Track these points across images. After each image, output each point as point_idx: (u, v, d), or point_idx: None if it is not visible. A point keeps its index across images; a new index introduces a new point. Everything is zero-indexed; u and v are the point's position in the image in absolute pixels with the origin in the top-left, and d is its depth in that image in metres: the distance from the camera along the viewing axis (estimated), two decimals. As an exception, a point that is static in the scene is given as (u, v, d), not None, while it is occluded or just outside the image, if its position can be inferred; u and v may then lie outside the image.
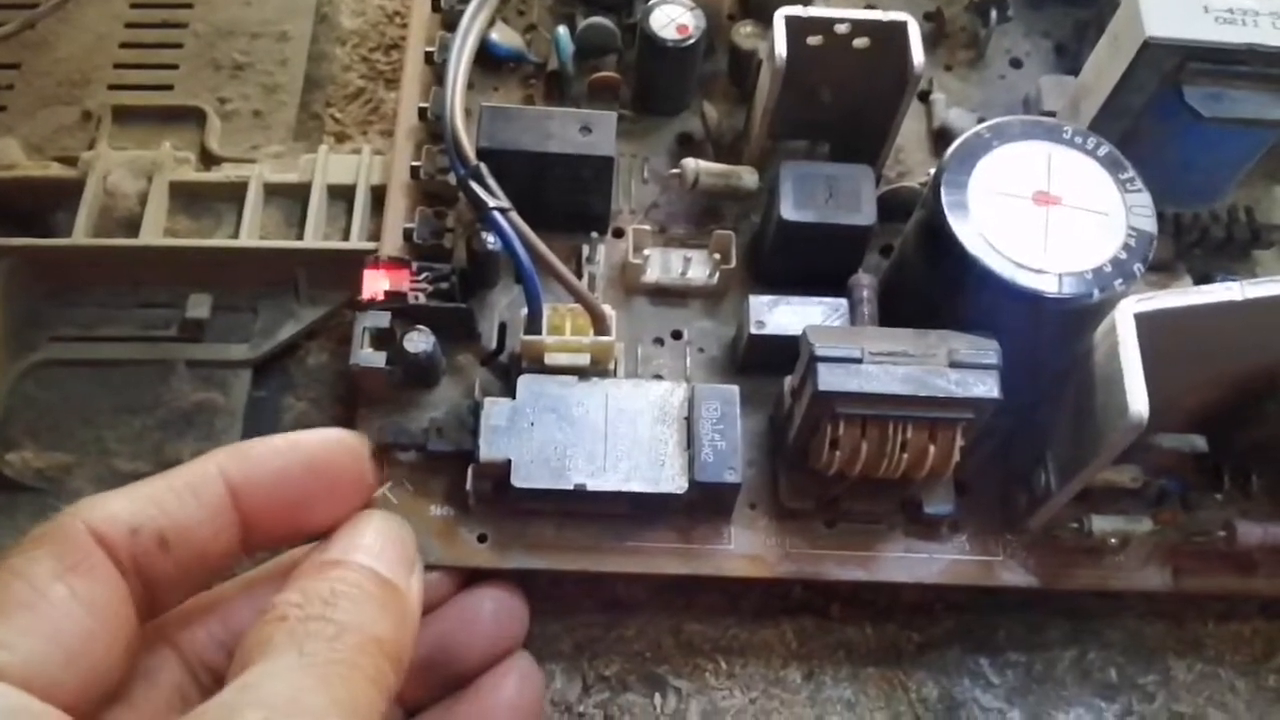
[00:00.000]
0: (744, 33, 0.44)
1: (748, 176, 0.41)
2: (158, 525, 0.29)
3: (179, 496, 0.30)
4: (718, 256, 0.41)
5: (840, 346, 0.34)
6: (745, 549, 0.38)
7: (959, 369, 0.34)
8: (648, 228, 0.41)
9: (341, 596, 0.28)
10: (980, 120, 0.44)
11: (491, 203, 0.37)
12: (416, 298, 0.38)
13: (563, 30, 0.44)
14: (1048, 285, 0.34)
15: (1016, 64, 0.47)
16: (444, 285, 0.39)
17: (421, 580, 0.32)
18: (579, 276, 0.40)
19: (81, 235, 0.42)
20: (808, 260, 0.40)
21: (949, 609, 0.40)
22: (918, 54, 0.38)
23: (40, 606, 0.27)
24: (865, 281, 0.38)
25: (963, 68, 0.47)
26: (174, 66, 0.49)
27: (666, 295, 0.41)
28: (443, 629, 0.36)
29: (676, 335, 0.41)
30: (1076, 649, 0.40)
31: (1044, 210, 0.35)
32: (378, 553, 0.31)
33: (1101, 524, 0.37)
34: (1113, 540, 0.37)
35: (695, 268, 0.41)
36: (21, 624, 0.27)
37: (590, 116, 0.39)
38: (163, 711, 0.31)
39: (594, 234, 0.42)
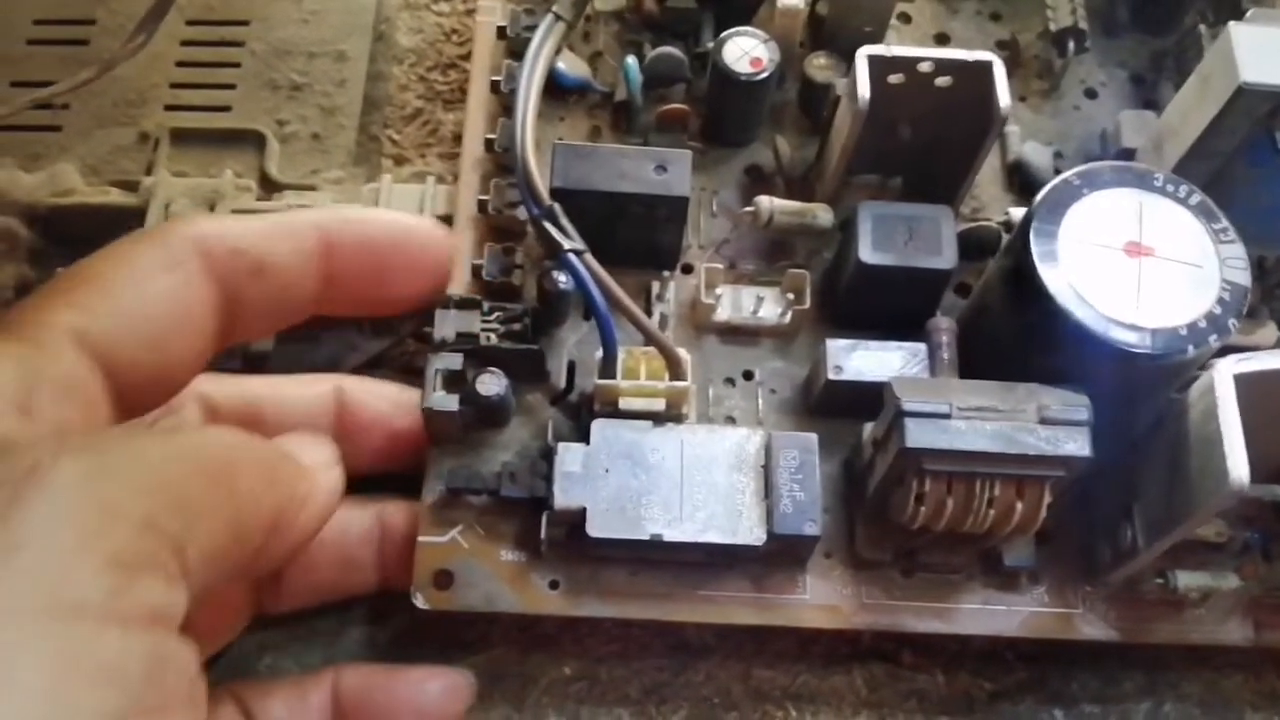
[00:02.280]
0: (817, 64, 0.43)
1: (823, 215, 0.40)
2: (257, 252, 0.31)
3: (279, 231, 0.32)
4: (791, 296, 0.40)
5: (928, 401, 0.33)
6: (821, 599, 0.37)
7: (1049, 425, 0.33)
8: (719, 266, 0.41)
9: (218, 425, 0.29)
10: (1057, 154, 0.44)
11: (567, 244, 0.36)
12: (488, 339, 0.38)
13: (632, 60, 0.43)
14: (1141, 341, 0.33)
15: (1091, 95, 0.46)
16: (516, 326, 0.38)
17: (338, 482, 0.31)
18: (648, 314, 0.39)
19: (144, 266, 0.41)
20: (884, 302, 0.39)
21: (1022, 658, 0.40)
22: (1004, 95, 0.37)
23: (136, 290, 0.29)
24: (944, 326, 0.38)
25: (1036, 98, 0.46)
26: (231, 86, 0.48)
27: (737, 334, 0.41)
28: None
29: (748, 376, 0.40)
30: (1152, 701, 0.39)
31: (1136, 262, 0.34)
32: (282, 439, 0.31)
33: (1188, 580, 0.36)
34: (1195, 594, 0.37)
35: (767, 306, 0.40)
36: (118, 299, 0.28)
37: (665, 155, 0.38)
38: None
39: (665, 272, 0.41)
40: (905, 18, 0.47)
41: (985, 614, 0.37)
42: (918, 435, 0.33)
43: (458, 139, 0.48)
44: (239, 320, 0.32)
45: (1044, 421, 0.33)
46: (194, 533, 0.24)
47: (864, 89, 0.37)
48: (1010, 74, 0.45)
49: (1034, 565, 0.37)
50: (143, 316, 0.29)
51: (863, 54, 0.37)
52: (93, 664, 0.22)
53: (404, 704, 0.35)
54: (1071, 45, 0.44)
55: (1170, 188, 0.35)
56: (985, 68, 0.37)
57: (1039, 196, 0.35)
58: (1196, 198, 0.35)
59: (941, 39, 0.47)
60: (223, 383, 0.36)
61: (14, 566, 0.21)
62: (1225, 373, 0.32)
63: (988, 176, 0.44)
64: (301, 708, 0.34)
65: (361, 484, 0.35)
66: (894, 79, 0.38)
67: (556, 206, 0.37)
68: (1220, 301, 0.34)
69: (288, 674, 0.38)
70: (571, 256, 0.36)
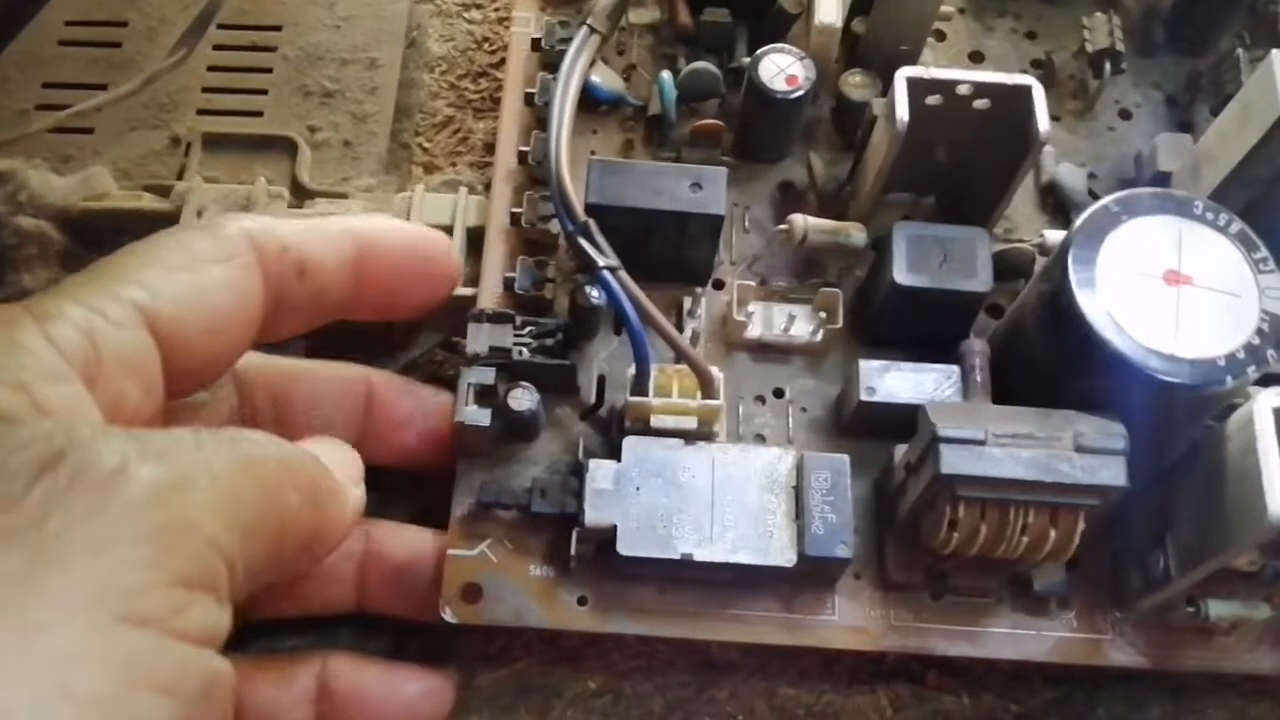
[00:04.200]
0: (853, 83, 0.43)
1: (856, 234, 0.40)
2: (303, 252, 0.32)
3: (320, 235, 0.33)
4: (823, 314, 0.40)
5: (964, 427, 0.33)
6: (849, 620, 0.37)
7: (1085, 454, 0.33)
8: (751, 283, 0.41)
9: (267, 433, 0.28)
10: (1090, 176, 0.44)
11: (601, 261, 0.36)
12: (521, 353, 0.38)
13: (666, 76, 0.43)
14: (1179, 372, 0.33)
15: (1126, 115, 0.46)
16: (548, 341, 0.38)
17: (363, 500, 0.32)
18: (679, 329, 0.39)
19: (177, 272, 0.41)
20: (917, 323, 0.39)
21: (1047, 680, 0.40)
22: (1043, 119, 0.37)
23: (196, 274, 0.30)
24: (978, 349, 0.37)
25: (1070, 118, 0.46)
26: (263, 92, 0.48)
27: (768, 352, 0.41)
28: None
29: (778, 394, 0.40)
30: (1178, 727, 0.39)
31: (1175, 290, 0.34)
32: (319, 448, 0.31)
33: (1219, 609, 0.36)
34: (1225, 623, 0.36)
35: (799, 324, 0.40)
36: (177, 281, 0.29)
37: (700, 172, 0.38)
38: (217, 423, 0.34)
39: (697, 289, 0.41)
40: (940, 35, 0.47)
41: (1014, 638, 0.37)
42: (953, 461, 0.33)
43: (488, 147, 0.48)
44: (279, 316, 0.33)
45: (1080, 450, 0.33)
46: (244, 550, 0.25)
47: (903, 111, 0.36)
48: (1044, 94, 0.45)
49: (1064, 590, 0.37)
50: (202, 301, 0.29)
51: (902, 75, 0.37)
52: (156, 676, 0.22)
53: (390, 700, 0.35)
54: (1108, 67, 0.44)
55: (1210, 215, 0.35)
56: (1024, 91, 0.37)
57: (1078, 222, 0.35)
58: (1236, 226, 0.35)
59: (976, 57, 0.47)
60: (255, 359, 0.36)
61: (92, 570, 0.21)
62: (1265, 406, 0.31)
63: (1021, 197, 0.44)
64: (287, 689, 0.34)
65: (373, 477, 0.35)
66: (932, 100, 0.38)
67: (591, 222, 0.37)
68: (1259, 332, 0.34)
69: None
70: (606, 274, 0.36)
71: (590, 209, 0.38)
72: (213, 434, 0.26)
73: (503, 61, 0.50)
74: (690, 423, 0.37)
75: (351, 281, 0.34)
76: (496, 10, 0.52)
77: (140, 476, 0.23)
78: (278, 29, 0.50)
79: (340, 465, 0.31)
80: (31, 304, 0.27)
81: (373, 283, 0.35)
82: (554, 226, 0.40)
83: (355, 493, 0.31)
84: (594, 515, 0.35)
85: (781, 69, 0.41)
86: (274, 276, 0.32)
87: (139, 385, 0.28)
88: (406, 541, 0.38)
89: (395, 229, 0.36)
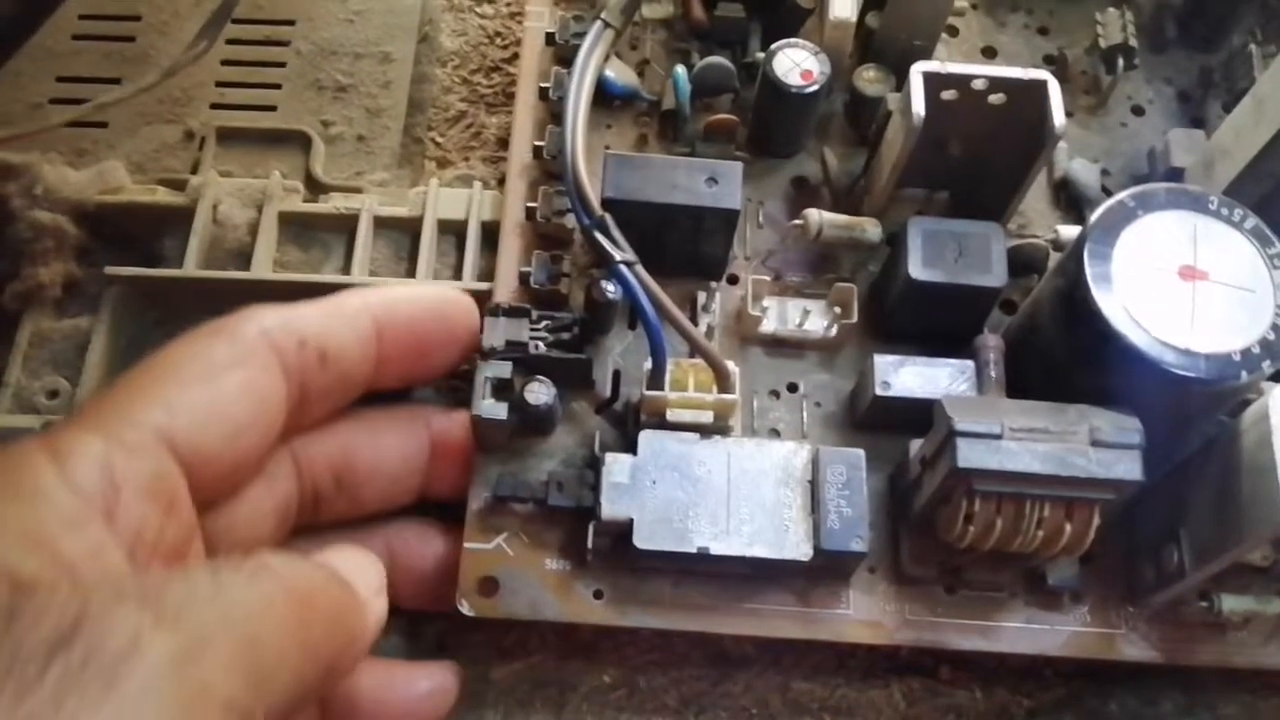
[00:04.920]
0: (867, 77, 0.43)
1: (871, 229, 0.40)
2: (322, 341, 0.32)
3: (338, 320, 0.33)
4: (838, 309, 0.40)
5: (980, 421, 0.33)
6: (864, 615, 0.37)
7: (1100, 448, 0.33)
8: (766, 277, 0.41)
9: (286, 555, 0.28)
10: (1103, 171, 0.44)
11: (618, 255, 0.37)
12: (537, 347, 0.38)
13: (681, 70, 0.43)
14: (1195, 367, 0.33)
15: (1138, 111, 0.46)
16: (565, 335, 0.38)
17: (384, 610, 0.31)
18: (694, 324, 0.39)
19: (192, 266, 0.42)
20: (932, 318, 0.39)
21: (1060, 675, 0.40)
22: (1058, 114, 0.37)
23: (214, 385, 0.30)
24: (992, 343, 0.38)
25: (1083, 114, 0.46)
26: (277, 86, 0.49)
27: (782, 346, 0.41)
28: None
29: (792, 388, 0.40)
30: (1190, 721, 0.39)
31: (1190, 285, 0.34)
32: (344, 564, 0.30)
33: (1232, 604, 0.36)
34: (1238, 617, 0.37)
35: (813, 319, 0.40)
36: (194, 395, 0.29)
37: (716, 167, 0.38)
38: (270, 513, 0.34)
39: (711, 283, 0.41)
40: (953, 30, 0.47)
41: (1028, 632, 0.37)
42: (969, 455, 0.33)
43: (501, 142, 0.48)
44: (305, 409, 0.33)
45: (1095, 444, 0.33)
46: (264, 696, 0.25)
47: (919, 106, 0.36)
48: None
49: (1078, 585, 0.37)
50: (221, 412, 0.30)
51: (918, 70, 0.37)
52: None
53: (394, 696, 0.35)
54: (1121, 62, 0.44)
55: (1225, 211, 0.35)
56: (1040, 87, 0.37)
57: (1093, 218, 0.35)
58: (1251, 222, 0.35)
59: (989, 53, 0.47)
60: (313, 441, 0.35)
61: None
62: (1280, 400, 0.31)
63: (1035, 192, 0.44)
64: None
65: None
66: (947, 95, 0.38)
67: (608, 217, 0.37)
68: (1274, 327, 0.34)
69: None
70: (623, 268, 0.36)
71: (606, 203, 0.38)
72: (233, 572, 0.26)
73: (515, 56, 0.50)
74: (706, 417, 0.37)
75: (374, 358, 0.34)
76: (509, 5, 0.52)
77: (155, 650, 0.23)
78: (291, 23, 0.50)
79: (363, 577, 0.31)
80: (49, 438, 0.27)
81: (395, 354, 0.35)
82: (569, 221, 0.40)
83: (376, 605, 0.31)
84: (610, 509, 0.35)
85: (796, 64, 0.41)
86: (295, 371, 0.32)
87: (160, 509, 0.28)
88: (424, 540, 0.38)
89: (412, 297, 0.36)
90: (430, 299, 0.36)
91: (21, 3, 0.38)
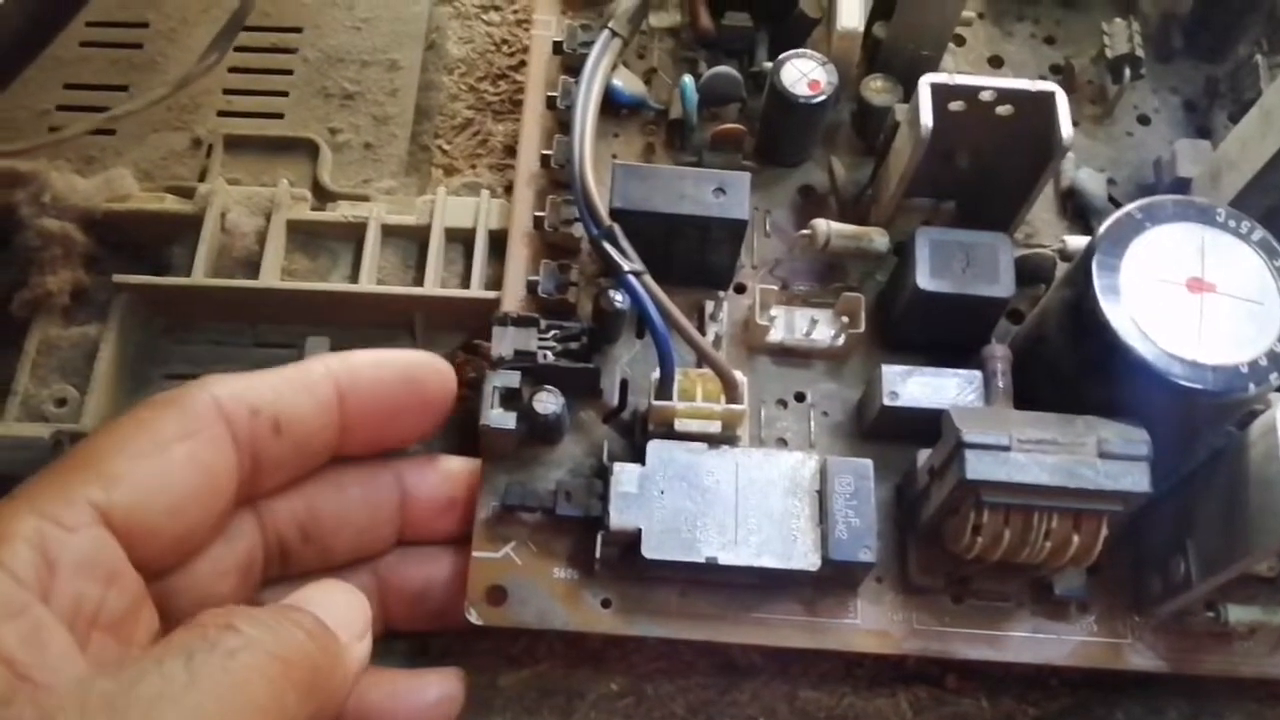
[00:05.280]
0: (874, 87, 0.43)
1: (879, 239, 0.40)
2: (275, 410, 0.32)
3: (295, 388, 0.33)
4: (845, 319, 0.40)
5: (988, 433, 0.33)
6: (872, 624, 0.37)
7: (1108, 460, 0.33)
8: (773, 287, 0.41)
9: (264, 614, 0.28)
10: (1110, 181, 0.44)
11: (626, 266, 0.37)
12: (545, 357, 0.38)
13: (688, 80, 0.43)
14: (1202, 379, 0.33)
15: (1144, 121, 0.46)
16: (573, 345, 0.38)
17: (368, 651, 0.31)
18: (701, 333, 0.39)
19: (201, 274, 0.42)
20: (939, 328, 0.39)
21: (1066, 684, 0.40)
22: (1066, 126, 0.37)
23: (159, 459, 0.30)
24: (999, 354, 0.38)
25: (1089, 123, 0.46)
26: (284, 94, 0.49)
27: (790, 355, 0.41)
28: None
29: (799, 397, 0.40)
30: (1196, 730, 0.40)
31: (1198, 298, 0.34)
32: (325, 607, 0.30)
33: (1239, 614, 0.36)
34: (1244, 627, 0.37)
35: (820, 329, 0.40)
36: (139, 470, 0.29)
37: (724, 178, 0.38)
38: (231, 570, 0.33)
39: (719, 292, 0.41)
40: (959, 40, 0.47)
41: (1035, 642, 0.37)
42: (978, 467, 0.33)
43: (508, 150, 0.48)
44: (259, 477, 0.33)
45: (1103, 456, 0.33)
46: None
47: (927, 118, 0.37)
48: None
49: (1084, 595, 0.37)
50: (163, 486, 0.30)
51: (926, 82, 0.37)
52: None
53: (402, 706, 0.35)
54: (1127, 72, 0.44)
55: (1232, 223, 0.35)
56: (1048, 98, 0.37)
57: (1101, 230, 0.35)
58: (1258, 234, 0.35)
59: (995, 62, 0.47)
60: (275, 499, 0.35)
61: None
62: (1288, 413, 0.32)
63: (1041, 202, 0.44)
64: None
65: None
66: (955, 106, 0.38)
67: (616, 227, 0.37)
68: (1281, 339, 0.34)
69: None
70: (632, 278, 0.36)
71: (614, 213, 0.38)
72: (208, 652, 0.26)
73: (521, 64, 0.50)
74: (714, 427, 0.37)
75: (336, 428, 0.34)
76: (515, 12, 0.52)
77: None
78: (298, 31, 0.50)
79: (346, 617, 0.31)
80: None
81: (360, 422, 0.34)
82: (577, 230, 0.41)
83: (358, 650, 0.31)
84: (619, 519, 0.35)
85: (804, 74, 0.41)
86: (246, 441, 0.32)
87: (98, 583, 0.28)
88: (423, 563, 0.38)
89: (379, 362, 0.35)
90: (399, 365, 0.36)
91: (31, 19, 0.38)
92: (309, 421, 0.33)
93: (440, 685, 0.36)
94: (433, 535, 0.38)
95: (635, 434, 0.39)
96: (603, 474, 0.37)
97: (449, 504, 0.38)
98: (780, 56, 0.41)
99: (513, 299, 0.41)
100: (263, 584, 0.35)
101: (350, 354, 0.35)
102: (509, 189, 0.45)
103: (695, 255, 0.40)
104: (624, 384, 0.40)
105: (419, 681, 0.36)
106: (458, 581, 0.37)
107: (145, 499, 0.29)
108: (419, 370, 0.36)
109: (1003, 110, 0.38)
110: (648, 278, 0.37)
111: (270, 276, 0.42)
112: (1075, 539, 0.34)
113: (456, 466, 0.38)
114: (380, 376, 0.35)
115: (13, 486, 0.29)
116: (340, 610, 0.31)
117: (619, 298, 0.38)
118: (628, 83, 0.44)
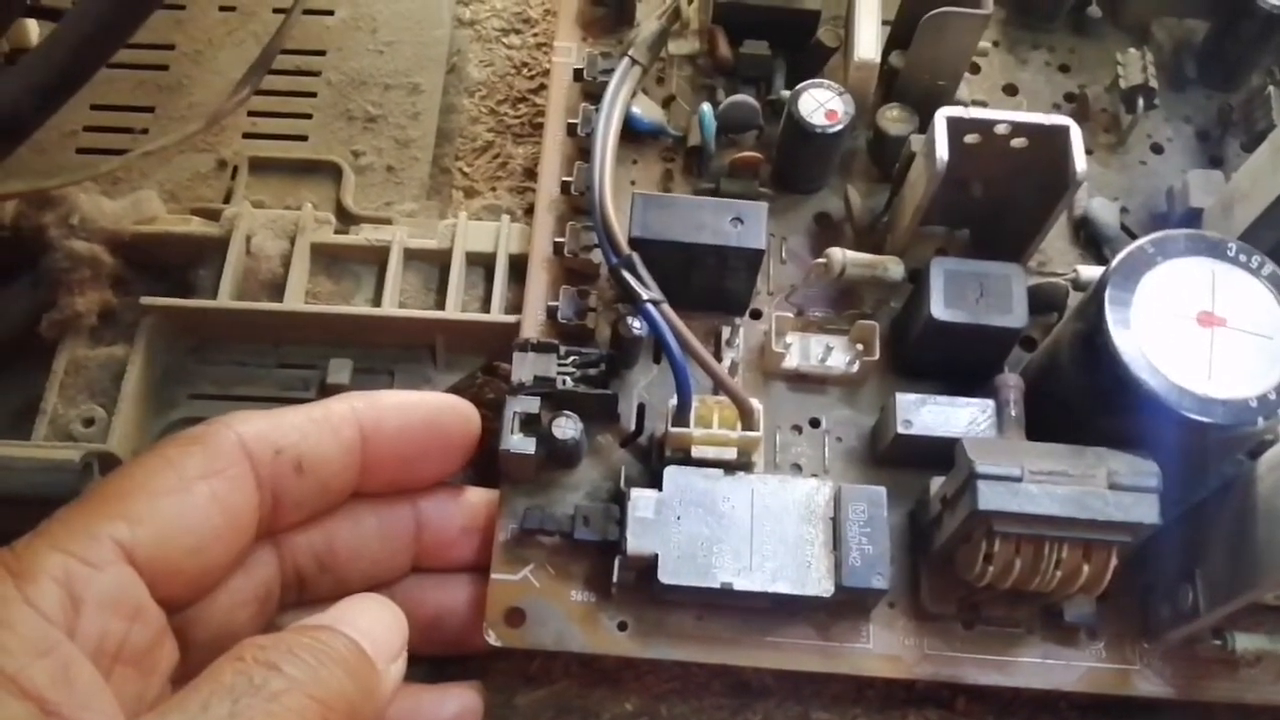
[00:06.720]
0: (890, 117, 0.43)
1: (894, 268, 0.41)
2: (299, 450, 0.33)
3: (319, 428, 0.33)
4: (860, 346, 0.41)
5: (1001, 464, 0.34)
6: (884, 649, 0.38)
7: (1118, 491, 0.34)
8: (789, 313, 0.41)
9: (305, 651, 0.29)
10: (1123, 210, 0.44)
11: (645, 294, 0.37)
12: (565, 383, 0.38)
13: (707, 108, 0.43)
14: (1212, 412, 0.34)
15: (1157, 149, 0.47)
16: (592, 371, 0.39)
17: (402, 671, 0.32)
18: (717, 359, 0.40)
19: (226, 297, 0.42)
20: (953, 356, 0.40)
21: (1075, 709, 0.40)
22: (1080, 159, 0.37)
23: (182, 497, 0.30)
24: (1012, 383, 0.38)
25: (1102, 151, 0.46)
26: (307, 116, 0.49)
27: (805, 381, 0.42)
28: None
29: (814, 423, 0.41)
30: (1203, 756, 0.40)
31: (1208, 331, 0.35)
32: (365, 629, 0.31)
33: (1245, 642, 0.37)
34: (1251, 655, 0.37)
35: (835, 355, 0.41)
36: (163, 508, 0.30)
37: (742, 208, 0.39)
38: (250, 600, 0.34)
39: (735, 318, 0.42)
40: (975, 68, 0.47)
41: (1044, 667, 0.38)
42: (990, 498, 0.34)
43: (527, 172, 0.49)
44: (280, 514, 0.33)
45: (1113, 487, 0.34)
46: None
47: (943, 150, 0.37)
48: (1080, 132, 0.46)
49: (1094, 621, 0.38)
50: (186, 525, 0.30)
51: (942, 115, 0.38)
52: None
53: (422, 718, 0.36)
54: (1141, 102, 0.45)
55: (1243, 258, 0.36)
56: (1062, 132, 0.38)
57: (1114, 263, 0.35)
58: (1269, 269, 0.36)
59: (1010, 90, 0.47)
60: (294, 530, 0.35)
61: None
62: (1297, 448, 0.32)
63: (1055, 231, 0.44)
64: None
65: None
66: (970, 138, 0.38)
67: (635, 256, 0.38)
68: (1290, 373, 0.34)
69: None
70: (650, 308, 0.37)
71: (633, 242, 0.38)
72: (252, 696, 0.26)
73: (541, 87, 0.51)
74: (730, 453, 0.38)
75: (357, 468, 0.35)
76: (535, 36, 0.53)
77: None
78: (322, 54, 0.51)
79: (383, 639, 0.31)
80: (12, 558, 0.28)
81: (382, 463, 0.35)
82: (596, 256, 0.41)
83: (392, 671, 0.31)
84: (636, 544, 0.36)
85: (821, 104, 0.42)
86: (268, 480, 0.32)
87: (122, 619, 0.29)
88: (438, 589, 0.38)
89: (405, 405, 0.36)
90: (424, 408, 0.36)
91: (35, 96, 0.38)
92: (331, 462, 0.34)
93: (461, 699, 0.37)
94: (449, 564, 0.38)
95: (652, 459, 0.39)
96: (619, 498, 0.37)
97: (466, 534, 0.38)
98: (798, 86, 0.42)
99: (532, 324, 0.41)
100: (279, 610, 0.36)
101: (376, 395, 0.36)
102: (529, 211, 0.46)
103: (713, 282, 0.41)
104: (641, 409, 0.41)
105: (440, 695, 0.37)
106: (471, 608, 0.38)
107: (168, 537, 0.30)
108: (443, 415, 0.36)
109: (1017, 143, 0.39)
110: (666, 307, 0.37)
111: (295, 299, 0.43)
112: (1085, 568, 0.34)
113: (475, 499, 0.39)
114: (405, 419, 0.35)
115: (42, 509, 0.30)
116: (379, 630, 0.31)
117: (637, 324, 0.39)
118: (646, 110, 0.45)
